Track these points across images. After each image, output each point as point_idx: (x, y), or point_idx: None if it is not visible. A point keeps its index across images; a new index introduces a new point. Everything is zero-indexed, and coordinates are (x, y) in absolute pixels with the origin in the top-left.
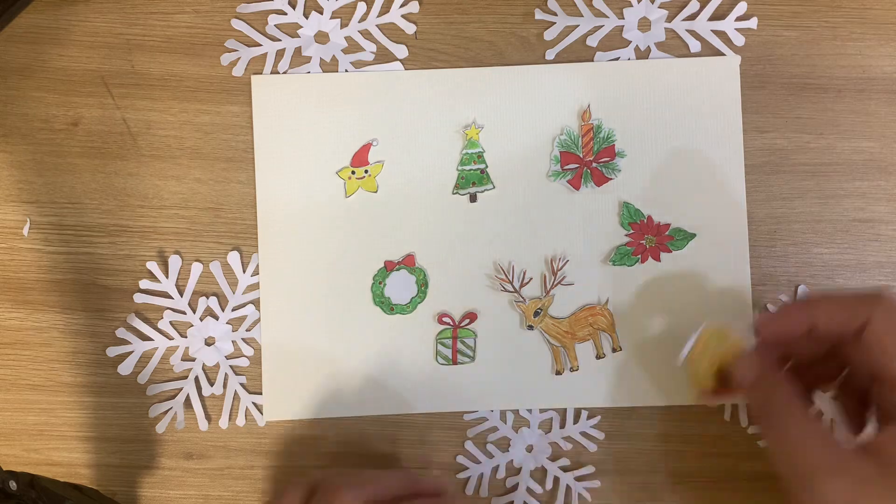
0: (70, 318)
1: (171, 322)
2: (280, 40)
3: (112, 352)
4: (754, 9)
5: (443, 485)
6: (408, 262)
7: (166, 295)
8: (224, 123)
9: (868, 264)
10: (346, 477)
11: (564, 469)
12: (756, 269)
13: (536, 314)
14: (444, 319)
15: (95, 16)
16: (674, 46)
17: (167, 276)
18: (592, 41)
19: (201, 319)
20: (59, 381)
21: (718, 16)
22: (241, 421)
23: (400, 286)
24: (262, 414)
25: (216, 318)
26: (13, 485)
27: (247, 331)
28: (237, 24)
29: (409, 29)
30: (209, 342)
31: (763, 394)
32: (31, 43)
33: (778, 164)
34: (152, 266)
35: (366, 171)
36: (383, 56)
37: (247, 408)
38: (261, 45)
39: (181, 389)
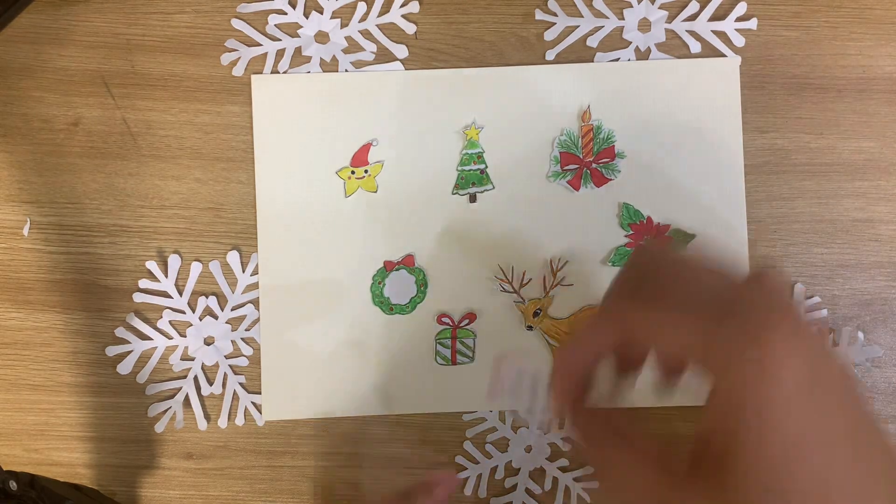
0: (70, 318)
1: (170, 321)
2: (280, 40)
3: (111, 351)
4: (754, 9)
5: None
6: (407, 263)
7: (166, 294)
8: (224, 123)
9: (868, 264)
10: None
11: (563, 469)
12: (756, 268)
13: (536, 315)
14: (444, 320)
15: (95, 16)
16: (674, 47)
17: (167, 276)
18: (593, 42)
19: (200, 319)
20: (59, 381)
21: (718, 16)
22: (240, 420)
23: (399, 286)
24: (260, 413)
25: (215, 317)
26: (13, 485)
27: (246, 330)
28: (237, 24)
29: (410, 29)
30: (208, 342)
31: (576, 425)
32: (31, 43)
33: (778, 164)
34: (152, 266)
35: (365, 171)
36: (383, 56)
37: (246, 407)
38: (261, 44)
39: (180, 389)
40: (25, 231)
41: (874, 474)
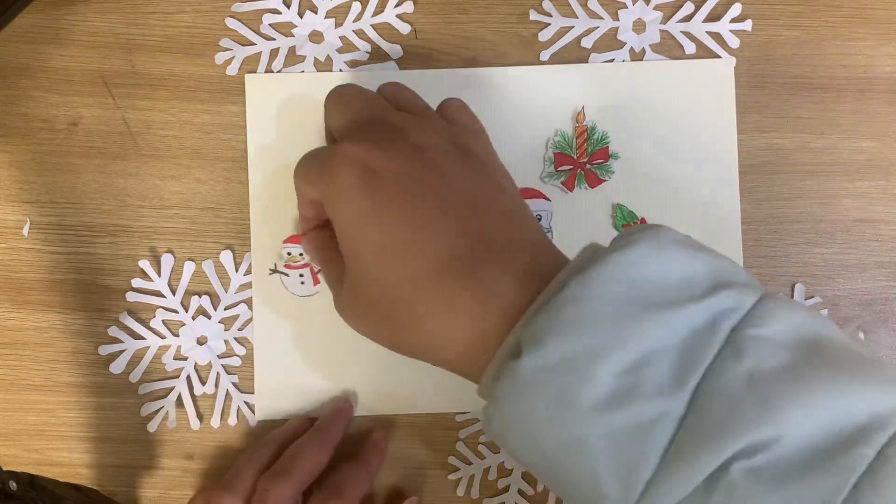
0: (70, 318)
1: (163, 321)
2: (274, 39)
3: (104, 350)
4: (755, 9)
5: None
6: None
7: (158, 294)
8: (224, 123)
9: (869, 264)
10: (273, 478)
11: None
12: (756, 268)
13: None
14: None
15: (95, 16)
16: (669, 48)
17: (160, 275)
18: (587, 43)
19: (193, 318)
20: (59, 381)
21: (713, 17)
22: (232, 420)
23: None
24: (254, 413)
25: (208, 317)
26: (13, 485)
27: (239, 330)
28: (231, 23)
29: (404, 29)
30: (201, 341)
31: (309, 253)
32: (31, 43)
33: (778, 164)
34: (144, 265)
35: None
36: (378, 56)
37: (238, 407)
38: (255, 44)
39: (173, 388)
40: (25, 231)
41: (422, 223)
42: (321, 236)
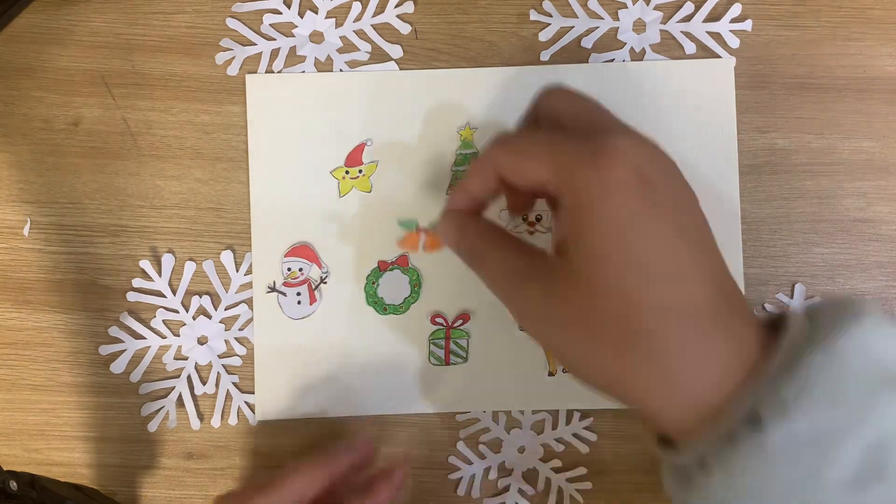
0: (70, 318)
1: (163, 321)
2: (275, 39)
3: (104, 350)
4: (755, 9)
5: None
6: (401, 263)
7: (159, 294)
8: (225, 123)
9: (868, 264)
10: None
11: (556, 470)
12: (756, 268)
13: None
14: (438, 320)
15: (95, 16)
16: (669, 48)
17: (160, 275)
18: (587, 43)
19: (194, 318)
20: (59, 381)
21: (713, 17)
22: (233, 420)
23: (393, 286)
24: (254, 413)
25: (209, 317)
26: (13, 485)
27: (239, 330)
28: (232, 24)
29: (405, 29)
30: (202, 341)
31: (463, 241)
32: (32, 43)
33: (778, 164)
34: (145, 265)
35: (360, 171)
36: (378, 56)
37: (239, 407)
38: (255, 44)
39: (173, 388)
40: (26, 231)
41: (689, 255)
42: (471, 224)
